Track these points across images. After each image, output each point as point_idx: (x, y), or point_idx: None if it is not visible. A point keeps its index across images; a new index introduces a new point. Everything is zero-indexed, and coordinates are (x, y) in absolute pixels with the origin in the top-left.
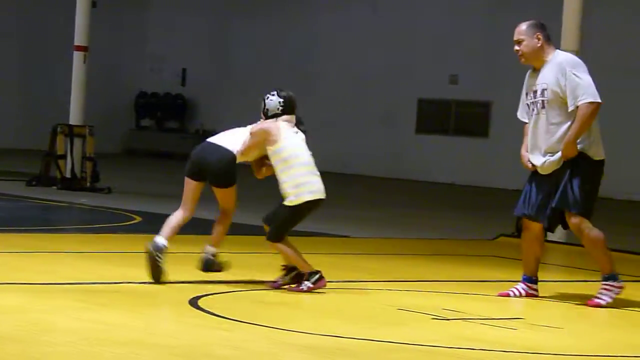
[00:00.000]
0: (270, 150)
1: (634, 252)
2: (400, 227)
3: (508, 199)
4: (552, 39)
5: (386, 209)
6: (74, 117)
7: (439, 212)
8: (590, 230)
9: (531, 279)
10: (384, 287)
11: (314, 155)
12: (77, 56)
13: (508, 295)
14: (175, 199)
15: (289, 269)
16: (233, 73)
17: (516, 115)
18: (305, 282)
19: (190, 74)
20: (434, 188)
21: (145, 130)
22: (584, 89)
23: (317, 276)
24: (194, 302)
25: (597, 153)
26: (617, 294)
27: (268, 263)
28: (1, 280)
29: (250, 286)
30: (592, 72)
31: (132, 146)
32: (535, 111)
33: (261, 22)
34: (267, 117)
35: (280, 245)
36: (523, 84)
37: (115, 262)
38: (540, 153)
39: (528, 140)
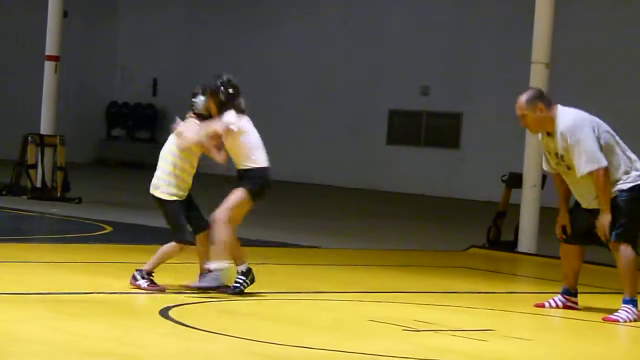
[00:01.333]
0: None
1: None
2: (371, 238)
3: (479, 210)
4: (551, 102)
5: (357, 220)
6: (45, 126)
7: (409, 223)
8: (627, 252)
9: (570, 292)
10: (354, 298)
11: (285, 165)
12: (48, 66)
13: (543, 306)
14: (145, 208)
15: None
16: (203, 82)
17: (485, 127)
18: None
19: (161, 84)
20: (404, 199)
21: (116, 140)
22: (586, 158)
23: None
24: (164, 313)
25: (626, 184)
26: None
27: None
28: None
29: (221, 297)
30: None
31: (103, 156)
32: (566, 170)
33: (229, 33)
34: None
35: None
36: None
37: (86, 272)
38: (583, 199)
39: (570, 190)
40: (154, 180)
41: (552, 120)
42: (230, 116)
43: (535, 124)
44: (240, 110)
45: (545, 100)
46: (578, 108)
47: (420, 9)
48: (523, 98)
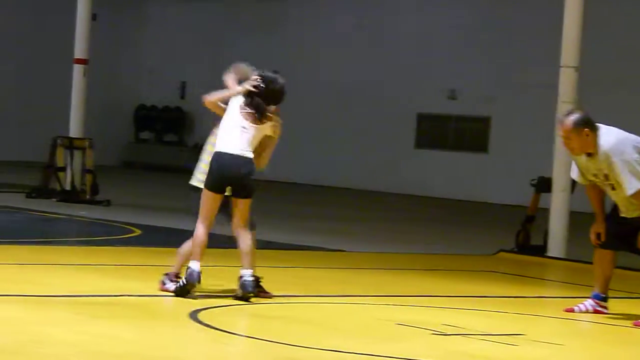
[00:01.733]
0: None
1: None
2: (399, 242)
3: (507, 214)
4: (595, 125)
5: (385, 224)
6: (74, 129)
7: (438, 227)
8: None
9: (600, 296)
10: (382, 302)
11: (313, 168)
12: (77, 69)
13: (573, 311)
14: (173, 211)
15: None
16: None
17: (514, 131)
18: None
19: (190, 87)
20: (433, 203)
21: (144, 143)
22: (630, 177)
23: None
24: (193, 315)
25: None
26: None
27: (271, 278)
28: None
29: (251, 300)
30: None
31: (131, 159)
32: (611, 190)
33: (256, 35)
34: None
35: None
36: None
37: (114, 274)
38: (626, 210)
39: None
40: (194, 171)
41: (595, 143)
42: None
43: (580, 148)
44: (249, 103)
45: (590, 124)
46: (605, 109)
47: (450, 12)
48: (570, 121)
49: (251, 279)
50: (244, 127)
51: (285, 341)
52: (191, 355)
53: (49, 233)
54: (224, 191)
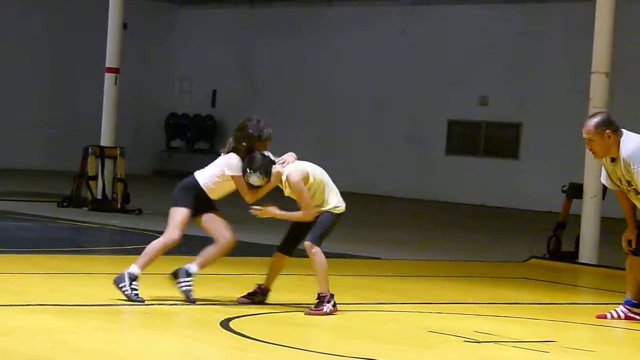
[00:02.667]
0: (309, 185)
1: None
2: (430, 249)
3: (538, 220)
4: (618, 128)
5: (416, 231)
6: (105, 138)
7: (469, 233)
8: None
9: (632, 303)
10: (414, 309)
11: (343, 175)
12: (109, 78)
13: (605, 317)
14: None
15: (262, 291)
16: (261, 93)
17: (545, 137)
18: (327, 304)
19: (220, 95)
20: (463, 209)
21: (176, 152)
22: None
23: (334, 300)
24: (225, 324)
25: None
26: None
27: (300, 285)
28: (33, 301)
29: (282, 308)
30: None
31: (162, 167)
32: (635, 195)
33: (286, 41)
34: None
35: (318, 254)
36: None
37: (146, 283)
38: None
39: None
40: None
41: (617, 147)
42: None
43: (602, 150)
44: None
45: (613, 126)
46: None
47: (479, 19)
48: (592, 123)
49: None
50: None
51: (316, 349)
52: None
53: (81, 242)
54: None
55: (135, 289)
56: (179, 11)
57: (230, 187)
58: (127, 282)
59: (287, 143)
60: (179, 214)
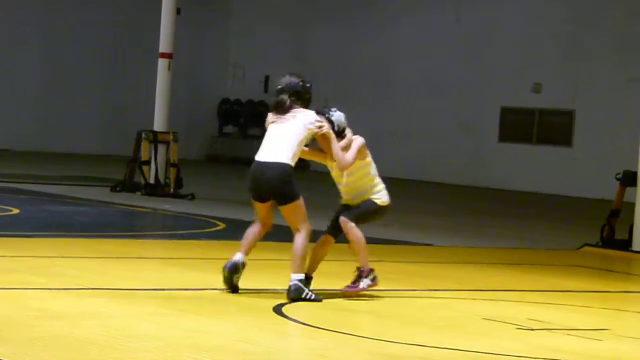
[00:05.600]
0: (363, 162)
1: None
2: (483, 236)
3: (591, 208)
4: None
5: (469, 218)
6: (158, 123)
7: (521, 221)
8: None
9: None
10: (467, 297)
11: (397, 162)
12: (162, 63)
13: None
14: None
15: (362, 272)
16: (314, 80)
17: (598, 124)
18: (365, 280)
19: (273, 80)
20: (516, 197)
21: (228, 137)
22: None
23: (373, 274)
24: (278, 309)
25: None
26: None
27: (351, 271)
28: (86, 285)
29: (334, 293)
30: None
31: (215, 153)
32: None
33: (340, 29)
34: (339, 133)
35: (354, 228)
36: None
37: (199, 268)
38: None
39: None
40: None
41: None
42: None
43: None
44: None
45: None
46: None
47: (532, 5)
48: None
49: (293, 283)
50: None
51: (371, 335)
52: (277, 349)
53: (134, 227)
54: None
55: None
56: None
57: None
58: (304, 289)
59: None
60: (302, 206)
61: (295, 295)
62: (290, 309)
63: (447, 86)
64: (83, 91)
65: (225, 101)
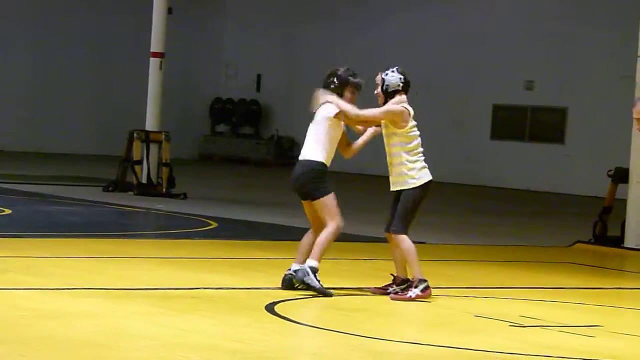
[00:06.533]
0: (398, 131)
1: None
2: (475, 234)
3: (584, 205)
4: None
5: (461, 215)
6: (150, 123)
7: (514, 218)
8: None
9: None
10: (460, 294)
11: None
12: (154, 62)
13: None
14: (249, 204)
15: (400, 280)
16: (306, 78)
17: (591, 121)
18: (414, 290)
19: (265, 79)
20: (509, 194)
21: (221, 136)
22: None
23: (425, 284)
24: (270, 308)
25: None
26: None
27: (344, 269)
28: (79, 285)
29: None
30: None
31: (207, 152)
32: None
33: (333, 27)
34: (387, 94)
35: (404, 240)
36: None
37: (192, 267)
38: None
39: None
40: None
41: None
42: None
43: None
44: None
45: None
46: None
47: (525, 2)
48: None
49: (303, 267)
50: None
51: (363, 333)
52: (270, 348)
53: (126, 226)
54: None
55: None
56: None
57: (337, 135)
58: (310, 275)
59: None
60: (332, 202)
61: (299, 276)
62: (282, 307)
63: (439, 84)
64: (75, 91)
65: (217, 100)
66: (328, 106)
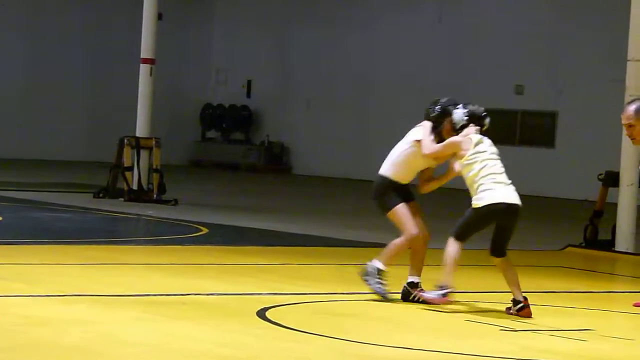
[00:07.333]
0: (462, 161)
1: None
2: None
3: (575, 209)
4: None
5: (452, 220)
6: (141, 129)
7: None
8: None
9: None
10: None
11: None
12: (144, 69)
13: None
14: (240, 210)
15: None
16: (297, 83)
17: (581, 125)
18: (436, 291)
19: (256, 85)
20: None
21: (211, 142)
22: None
23: (446, 290)
24: (261, 314)
25: None
26: None
27: (334, 274)
28: (69, 291)
29: (318, 297)
30: None
31: (198, 158)
32: None
33: (322, 30)
34: (456, 131)
35: (451, 244)
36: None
37: (183, 273)
38: None
39: None
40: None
41: None
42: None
43: None
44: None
45: None
46: None
47: (515, 5)
48: (632, 108)
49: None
50: None
51: (354, 338)
52: (261, 354)
53: (117, 233)
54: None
55: (382, 283)
56: (215, 2)
57: (415, 159)
58: (369, 275)
59: (322, 133)
60: (399, 214)
61: (360, 271)
62: (273, 313)
63: (429, 87)
64: (65, 97)
65: (208, 106)
66: (418, 130)
